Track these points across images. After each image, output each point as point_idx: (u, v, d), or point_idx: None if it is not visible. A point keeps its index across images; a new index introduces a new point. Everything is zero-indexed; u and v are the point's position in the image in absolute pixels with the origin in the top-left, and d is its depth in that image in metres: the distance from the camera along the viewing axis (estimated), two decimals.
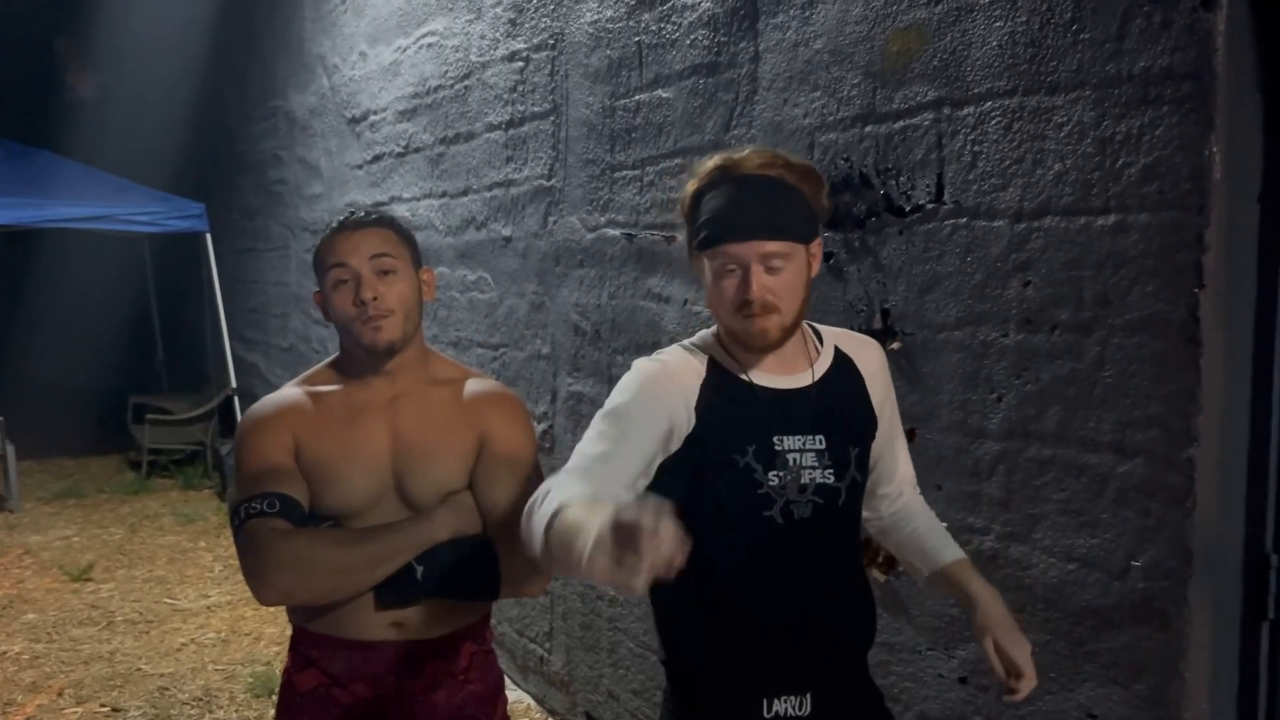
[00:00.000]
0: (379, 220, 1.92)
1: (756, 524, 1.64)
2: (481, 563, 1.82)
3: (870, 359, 1.80)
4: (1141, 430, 1.87)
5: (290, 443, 1.87)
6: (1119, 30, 1.87)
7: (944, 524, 1.92)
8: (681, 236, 3.05)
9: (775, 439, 1.66)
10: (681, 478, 1.63)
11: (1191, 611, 1.81)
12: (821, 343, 1.78)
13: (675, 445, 1.63)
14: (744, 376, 1.68)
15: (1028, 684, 1.65)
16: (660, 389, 1.63)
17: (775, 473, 1.64)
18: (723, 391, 1.66)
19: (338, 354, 1.99)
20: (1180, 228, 1.79)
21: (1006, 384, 2.11)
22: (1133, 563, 1.89)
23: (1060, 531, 2.02)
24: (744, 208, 1.59)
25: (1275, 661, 1.84)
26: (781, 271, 1.59)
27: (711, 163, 1.66)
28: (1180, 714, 1.83)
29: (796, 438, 1.67)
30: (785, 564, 1.66)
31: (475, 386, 1.99)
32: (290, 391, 1.96)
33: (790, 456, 1.66)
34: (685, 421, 1.62)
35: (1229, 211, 1.77)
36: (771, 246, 1.58)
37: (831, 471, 1.68)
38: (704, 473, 1.64)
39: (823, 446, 1.68)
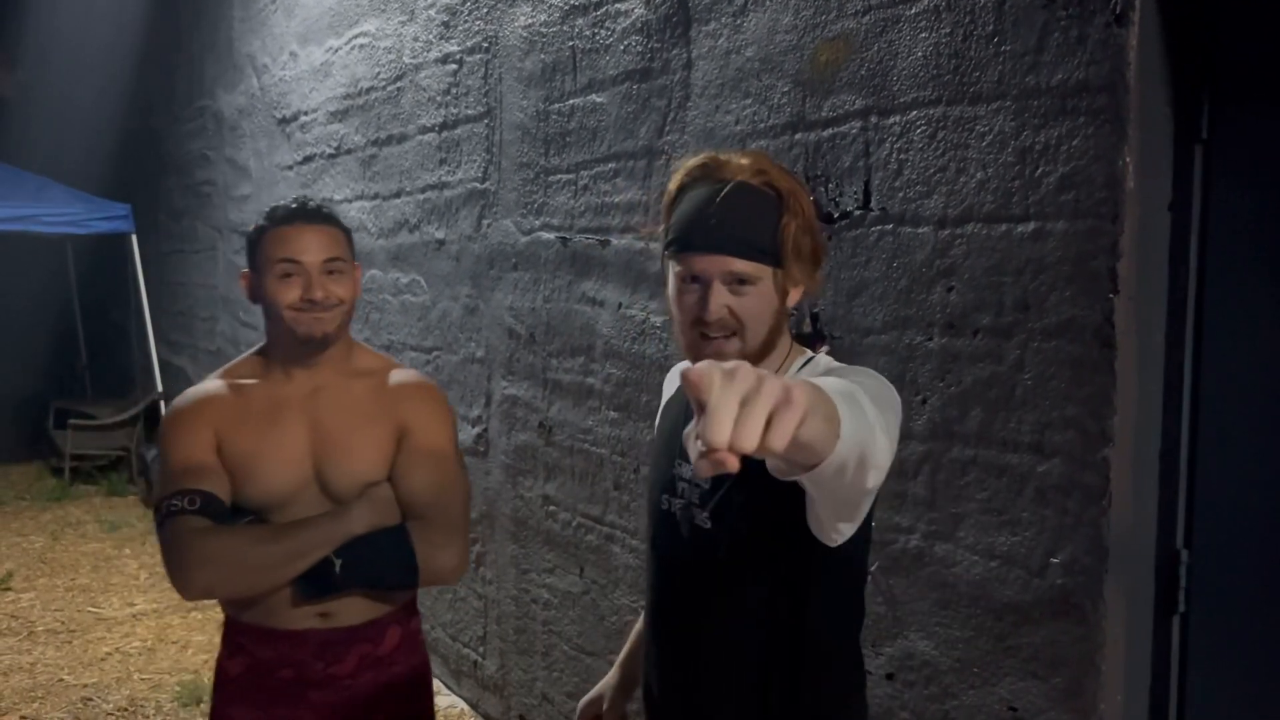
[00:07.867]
0: (328, 218, 1.93)
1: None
2: (399, 554, 1.86)
3: None
4: (1059, 431, 1.93)
5: (211, 438, 1.90)
6: (1038, 43, 1.93)
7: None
8: (616, 241, 3.08)
9: None
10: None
11: (1107, 606, 1.87)
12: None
13: None
14: None
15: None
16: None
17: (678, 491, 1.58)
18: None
19: (263, 343, 2.01)
20: (1096, 235, 1.85)
21: (931, 386, 2.16)
22: (1051, 560, 1.95)
23: (982, 530, 2.07)
24: (716, 217, 1.40)
25: (1185, 654, 1.91)
26: (747, 294, 1.42)
27: (698, 159, 1.49)
28: (1096, 705, 1.88)
29: None
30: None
31: (396, 377, 2.03)
32: (212, 384, 1.98)
33: None
34: None
35: (1141, 220, 1.83)
36: (739, 265, 1.40)
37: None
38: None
39: None
